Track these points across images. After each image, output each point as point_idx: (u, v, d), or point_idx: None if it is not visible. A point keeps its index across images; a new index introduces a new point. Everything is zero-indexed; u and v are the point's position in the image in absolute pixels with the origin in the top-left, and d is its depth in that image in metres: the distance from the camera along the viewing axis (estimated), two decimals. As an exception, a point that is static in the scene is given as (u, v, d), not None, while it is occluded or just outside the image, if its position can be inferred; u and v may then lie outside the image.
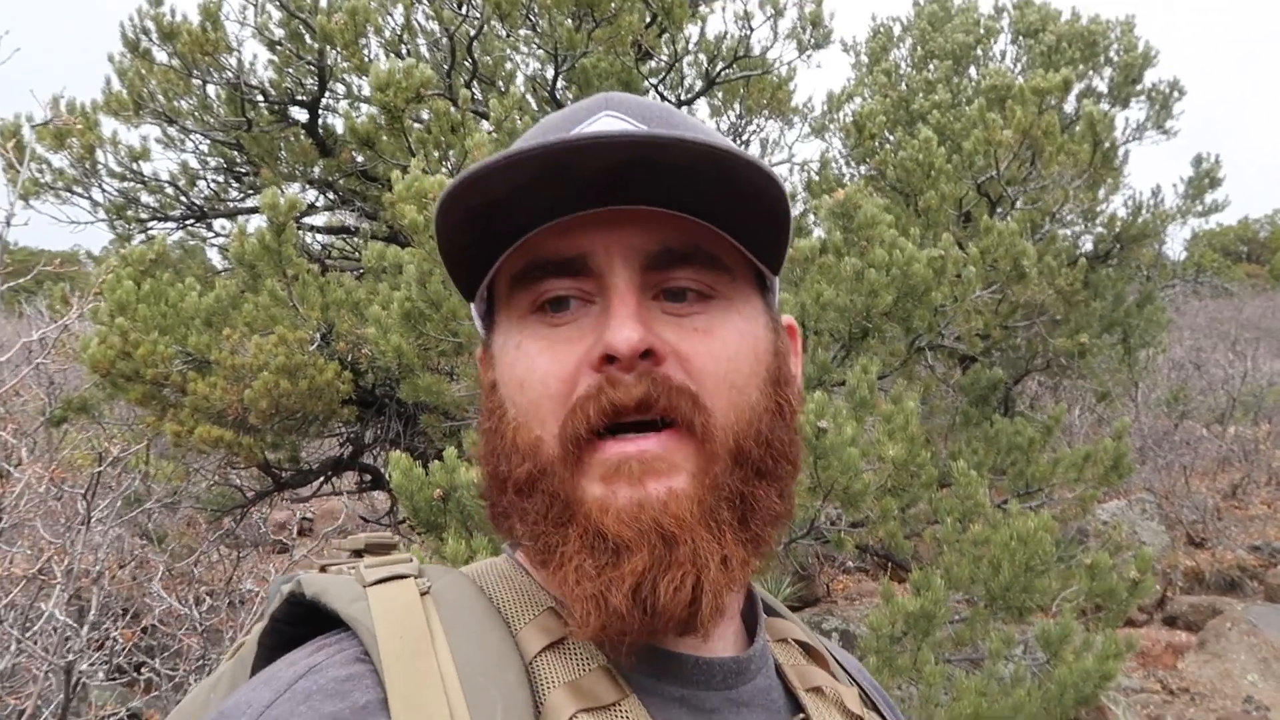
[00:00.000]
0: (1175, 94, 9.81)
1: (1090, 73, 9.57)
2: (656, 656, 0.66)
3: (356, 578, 0.68)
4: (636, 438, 0.62)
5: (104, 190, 6.52)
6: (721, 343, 0.66)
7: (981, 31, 10.37)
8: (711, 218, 0.65)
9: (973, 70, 10.25)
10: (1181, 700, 6.68)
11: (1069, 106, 8.60)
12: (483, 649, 0.62)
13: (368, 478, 6.74)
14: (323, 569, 0.76)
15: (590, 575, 0.61)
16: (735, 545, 0.63)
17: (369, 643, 0.61)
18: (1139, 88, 9.71)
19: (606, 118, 0.69)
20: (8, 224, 3.28)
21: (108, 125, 6.32)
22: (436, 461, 3.29)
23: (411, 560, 0.70)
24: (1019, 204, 6.68)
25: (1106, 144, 6.26)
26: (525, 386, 0.65)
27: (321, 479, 6.44)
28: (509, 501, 0.66)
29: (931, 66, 10.19)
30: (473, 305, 0.76)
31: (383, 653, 0.60)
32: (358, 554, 0.79)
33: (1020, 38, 10.23)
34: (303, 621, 0.68)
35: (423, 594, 0.65)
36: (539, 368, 0.65)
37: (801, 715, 0.73)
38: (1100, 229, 8.76)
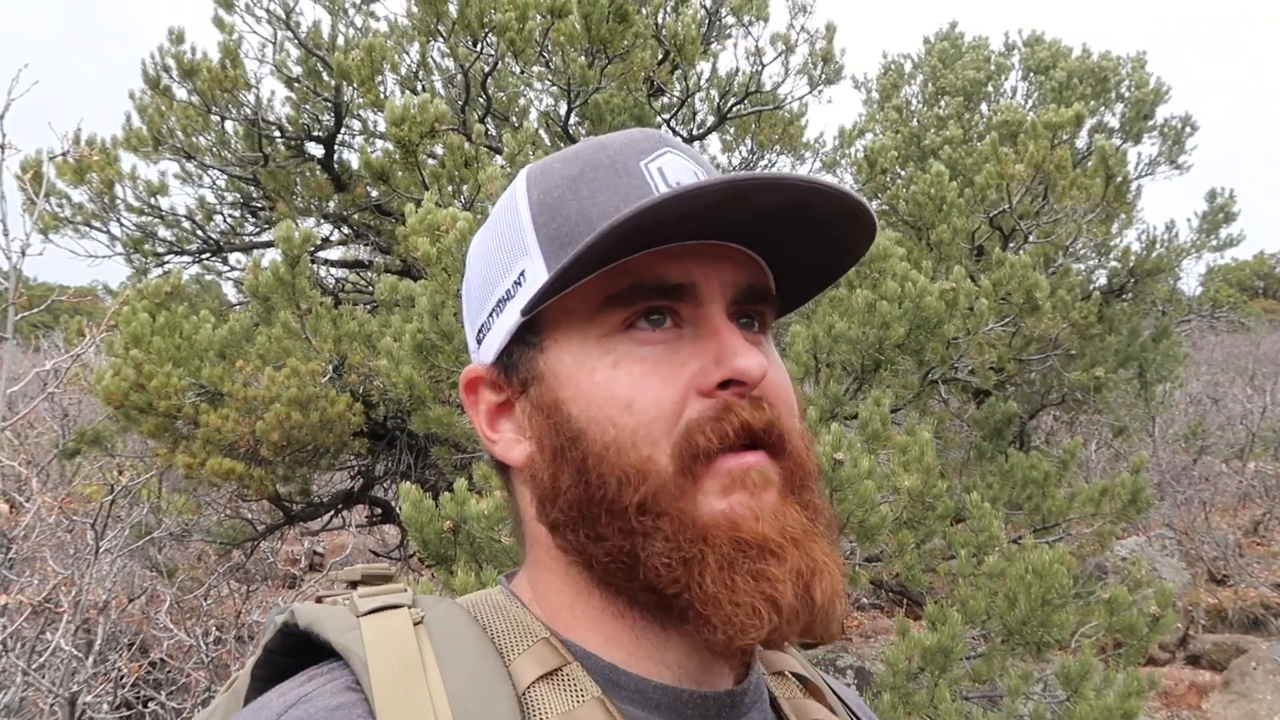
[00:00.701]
0: (1187, 129, 9.82)
1: (1102, 109, 9.60)
2: (650, 689, 0.65)
3: (350, 608, 0.67)
4: (749, 452, 0.65)
5: (122, 224, 6.61)
6: (780, 372, 0.70)
7: (992, 68, 10.43)
8: (780, 262, 0.71)
9: (984, 106, 10.30)
10: (1206, 742, 6.54)
11: (1080, 142, 8.62)
12: (475, 679, 0.61)
13: (378, 511, 6.73)
14: (319, 600, 0.75)
15: (748, 581, 0.62)
16: (834, 551, 0.67)
17: (360, 672, 0.60)
18: (1151, 123, 9.73)
19: (671, 155, 0.71)
20: (23, 255, 3.32)
21: (127, 161, 6.44)
22: (447, 494, 3.28)
23: (406, 591, 0.70)
24: (1032, 237, 6.67)
25: (1119, 178, 6.24)
26: (635, 408, 0.65)
27: (332, 512, 6.43)
28: (634, 522, 0.64)
29: (942, 103, 10.25)
30: (499, 318, 0.71)
31: (374, 682, 0.59)
32: (354, 585, 0.78)
33: (1031, 74, 10.28)
34: (296, 652, 0.67)
35: (416, 624, 0.65)
36: (650, 389, 0.65)
37: None
38: (1114, 263, 8.73)
